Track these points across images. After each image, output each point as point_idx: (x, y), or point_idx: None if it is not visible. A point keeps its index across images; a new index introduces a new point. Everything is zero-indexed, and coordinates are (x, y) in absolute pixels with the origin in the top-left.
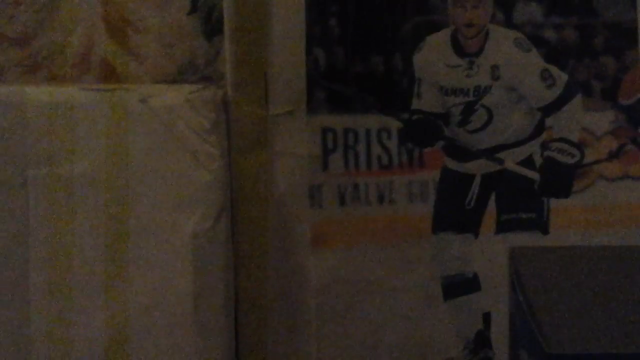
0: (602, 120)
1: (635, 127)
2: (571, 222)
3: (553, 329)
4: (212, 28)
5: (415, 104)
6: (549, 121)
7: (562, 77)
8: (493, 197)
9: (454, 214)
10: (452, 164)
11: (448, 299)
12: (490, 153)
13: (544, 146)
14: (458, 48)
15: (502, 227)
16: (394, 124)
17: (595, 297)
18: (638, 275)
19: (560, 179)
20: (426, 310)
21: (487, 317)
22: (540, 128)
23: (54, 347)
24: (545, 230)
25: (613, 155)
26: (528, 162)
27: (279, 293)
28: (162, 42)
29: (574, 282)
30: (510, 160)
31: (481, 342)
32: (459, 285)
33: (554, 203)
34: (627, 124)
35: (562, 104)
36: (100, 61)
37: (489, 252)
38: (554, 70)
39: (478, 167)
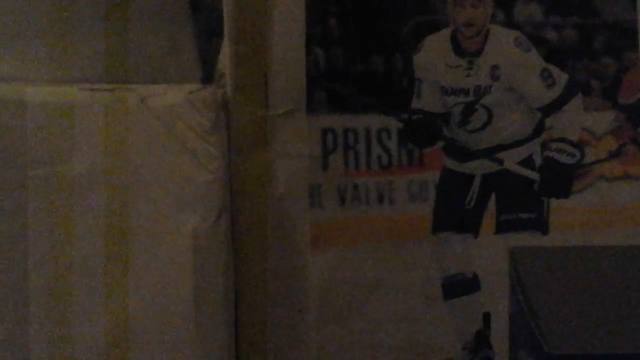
0: (602, 120)
1: (635, 127)
2: (571, 222)
3: (553, 329)
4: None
5: (415, 104)
6: (549, 121)
7: (562, 77)
8: (493, 197)
9: (454, 214)
10: (452, 164)
11: (448, 299)
12: (490, 153)
13: (544, 146)
14: (458, 48)
15: (502, 227)
16: (394, 124)
17: (595, 297)
18: (638, 275)
19: (560, 179)
20: (426, 310)
21: (487, 317)
22: (540, 128)
23: (54, 347)
24: (545, 230)
25: (613, 155)
26: (528, 162)
27: (279, 293)
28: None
29: (574, 282)
30: (510, 161)
31: (481, 342)
32: (459, 285)
33: (554, 203)
34: (627, 124)
35: (562, 104)
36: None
37: (489, 252)
38: (554, 70)
39: (478, 167)
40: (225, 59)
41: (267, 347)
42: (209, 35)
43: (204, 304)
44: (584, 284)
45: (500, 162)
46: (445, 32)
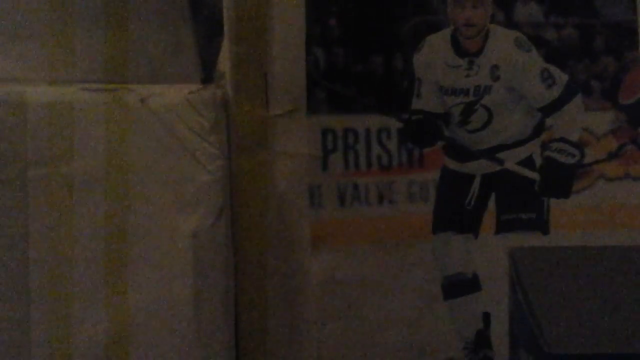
0: (602, 120)
1: (635, 127)
2: (571, 222)
3: (553, 329)
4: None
5: (415, 104)
6: (549, 121)
7: (562, 77)
8: (493, 197)
9: (454, 214)
10: (452, 164)
11: (448, 299)
12: (490, 153)
13: (544, 146)
14: (458, 48)
15: (502, 227)
16: (394, 124)
17: (595, 297)
18: (638, 275)
19: (560, 179)
20: (426, 310)
21: (487, 317)
22: (540, 128)
23: (54, 347)
24: (545, 230)
25: (613, 155)
26: (528, 162)
27: (279, 293)
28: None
29: (574, 282)
30: (510, 161)
31: (481, 342)
32: (459, 285)
33: (554, 203)
34: (627, 124)
35: (562, 104)
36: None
37: (489, 252)
38: (554, 70)
39: (478, 167)
40: (225, 59)
41: (267, 347)
42: (209, 35)
43: (204, 304)
44: (584, 284)
45: (501, 162)
46: (445, 32)
